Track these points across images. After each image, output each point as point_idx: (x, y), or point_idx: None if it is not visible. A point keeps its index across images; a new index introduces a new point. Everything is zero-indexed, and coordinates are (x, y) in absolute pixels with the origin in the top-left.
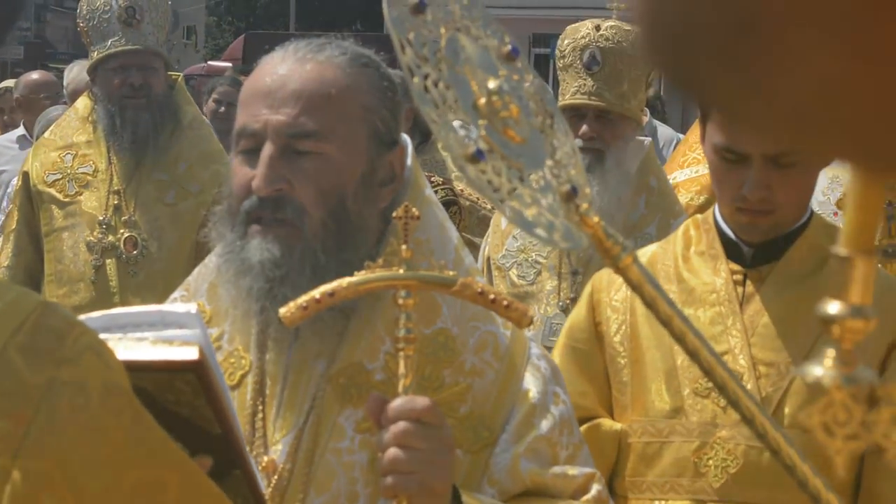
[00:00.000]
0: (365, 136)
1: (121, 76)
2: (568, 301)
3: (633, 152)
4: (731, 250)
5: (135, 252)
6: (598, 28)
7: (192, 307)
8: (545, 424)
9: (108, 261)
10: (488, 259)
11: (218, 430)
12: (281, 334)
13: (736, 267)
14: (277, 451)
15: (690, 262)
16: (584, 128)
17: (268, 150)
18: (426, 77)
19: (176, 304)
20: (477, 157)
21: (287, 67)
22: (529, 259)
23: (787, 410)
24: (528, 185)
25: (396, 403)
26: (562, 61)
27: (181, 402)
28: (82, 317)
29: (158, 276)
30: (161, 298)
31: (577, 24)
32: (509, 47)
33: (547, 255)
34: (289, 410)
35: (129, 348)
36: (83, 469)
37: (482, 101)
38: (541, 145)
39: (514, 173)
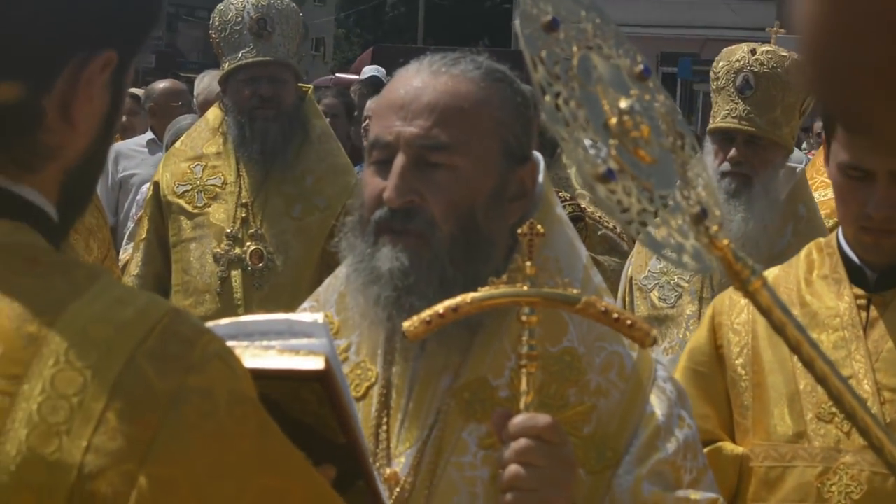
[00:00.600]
0: (497, 150)
1: (251, 87)
2: None
3: (784, 179)
4: (855, 275)
5: (260, 265)
6: (753, 52)
7: (318, 316)
8: (669, 447)
9: (233, 272)
10: (630, 279)
11: (342, 440)
12: (407, 346)
13: (860, 291)
14: (400, 463)
15: (813, 285)
16: (733, 151)
17: (400, 161)
18: (558, 95)
19: (303, 314)
20: (607, 176)
21: (421, 80)
22: (672, 282)
23: None
24: (657, 205)
25: (518, 420)
26: (715, 83)
27: (306, 411)
28: (210, 324)
29: (283, 289)
30: (286, 311)
31: (733, 47)
32: (641, 67)
33: (689, 278)
34: (413, 423)
35: (255, 356)
36: (209, 476)
37: (613, 120)
38: (671, 166)
39: (644, 194)
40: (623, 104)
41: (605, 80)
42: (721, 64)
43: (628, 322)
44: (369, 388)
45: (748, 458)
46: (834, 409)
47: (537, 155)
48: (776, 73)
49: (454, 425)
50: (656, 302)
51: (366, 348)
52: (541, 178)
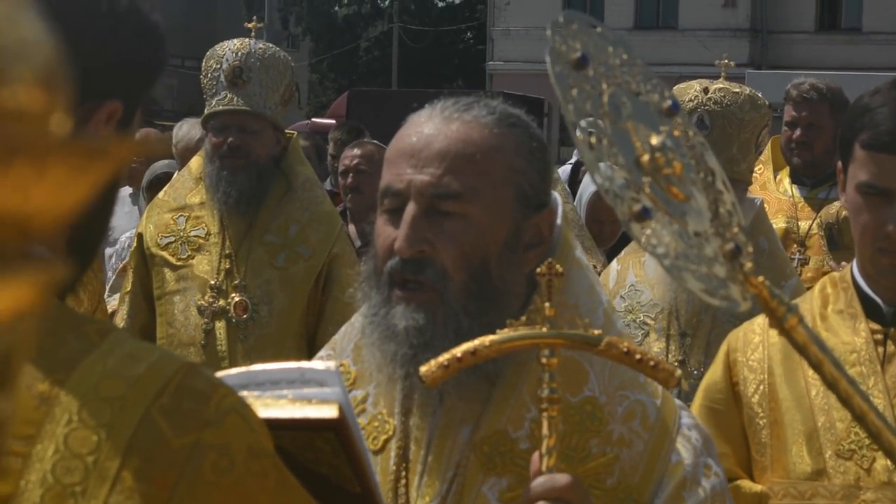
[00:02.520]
0: (511, 198)
1: (221, 135)
2: (676, 363)
3: (745, 211)
4: (870, 309)
5: (245, 316)
6: (706, 91)
7: (331, 364)
8: (696, 498)
9: (217, 324)
10: None
11: (357, 489)
12: (426, 399)
13: (876, 326)
14: None
15: (828, 321)
16: None
17: (411, 210)
18: (590, 133)
19: (315, 362)
20: (643, 215)
21: (433, 127)
22: (638, 320)
23: None
24: (691, 243)
25: (537, 483)
26: None
27: (320, 460)
28: (220, 374)
29: (268, 340)
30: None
31: (684, 86)
32: (669, 102)
33: (655, 316)
34: (432, 477)
35: (268, 406)
36: None
37: (645, 157)
38: (703, 202)
39: (678, 231)
40: (654, 141)
41: (635, 117)
42: None
43: (651, 363)
44: (387, 441)
45: (767, 495)
46: (853, 446)
47: (556, 199)
48: (730, 110)
49: (474, 479)
50: None
51: (383, 400)
52: (559, 221)
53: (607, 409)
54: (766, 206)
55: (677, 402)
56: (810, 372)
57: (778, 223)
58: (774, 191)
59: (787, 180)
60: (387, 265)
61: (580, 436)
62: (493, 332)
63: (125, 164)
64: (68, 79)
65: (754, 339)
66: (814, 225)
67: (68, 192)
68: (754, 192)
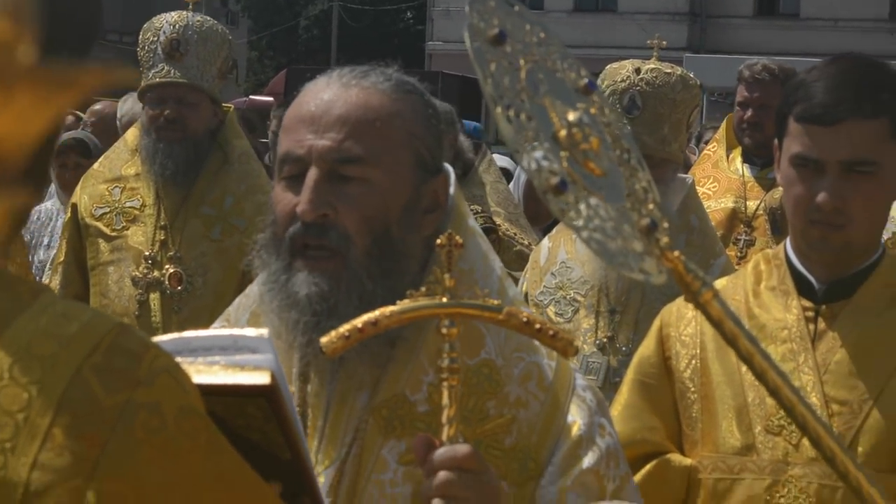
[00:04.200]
0: (409, 162)
1: (158, 108)
2: (605, 339)
3: (675, 190)
4: (803, 286)
5: (179, 288)
6: (638, 71)
7: (264, 331)
8: (592, 457)
9: (152, 296)
10: (526, 295)
11: (287, 455)
12: (324, 366)
13: (807, 303)
14: (319, 483)
15: (761, 297)
16: None
17: (313, 175)
18: (508, 107)
19: (248, 329)
20: (560, 188)
21: (332, 93)
22: (567, 296)
23: (860, 449)
24: (608, 217)
25: (438, 453)
26: None
27: (252, 427)
28: (154, 339)
29: (203, 311)
30: None
31: (616, 66)
32: (586, 81)
33: (585, 292)
34: (331, 442)
35: (200, 372)
36: (158, 491)
37: (563, 132)
38: (619, 178)
39: (596, 205)
40: (571, 116)
41: (552, 93)
42: (605, 84)
43: (550, 332)
44: None
45: (696, 469)
46: (782, 422)
47: (448, 167)
48: (662, 91)
49: (373, 443)
50: (552, 317)
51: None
52: (452, 189)
53: (504, 371)
54: (716, 184)
55: (571, 365)
56: None
57: (726, 202)
58: (726, 169)
59: (738, 159)
60: (288, 231)
61: (477, 398)
62: (396, 295)
63: (90, 93)
64: (36, 12)
65: (687, 315)
66: (760, 206)
67: (33, 120)
68: (707, 170)
